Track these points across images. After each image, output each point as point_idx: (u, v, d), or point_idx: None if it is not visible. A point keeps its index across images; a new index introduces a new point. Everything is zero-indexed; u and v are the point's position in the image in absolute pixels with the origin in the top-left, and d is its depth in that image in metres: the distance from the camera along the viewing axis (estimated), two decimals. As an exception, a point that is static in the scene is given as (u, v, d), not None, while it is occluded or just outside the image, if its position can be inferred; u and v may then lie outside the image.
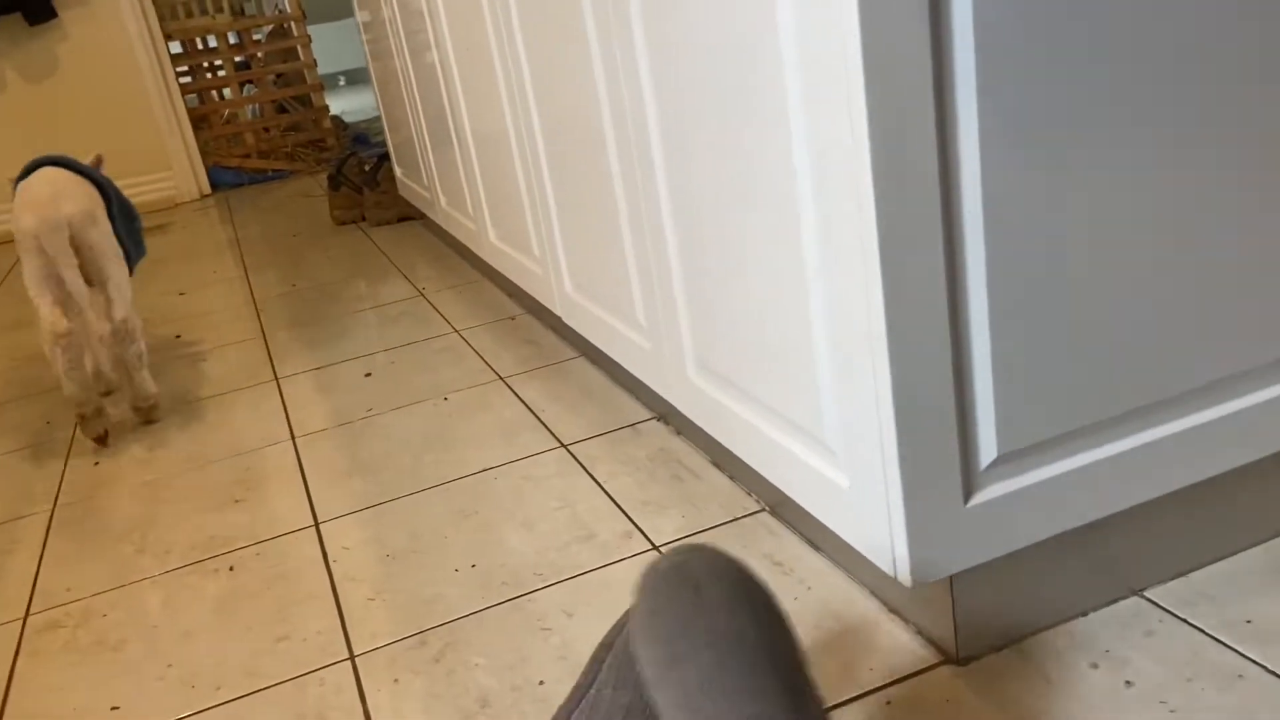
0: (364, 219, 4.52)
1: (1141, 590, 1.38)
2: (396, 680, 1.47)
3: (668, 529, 1.74)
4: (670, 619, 0.87)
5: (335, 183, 4.51)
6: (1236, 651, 1.25)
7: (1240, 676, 1.21)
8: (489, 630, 1.54)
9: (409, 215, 4.40)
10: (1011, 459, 1.23)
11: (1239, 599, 1.33)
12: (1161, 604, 1.35)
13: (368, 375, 2.69)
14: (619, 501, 1.85)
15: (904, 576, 1.23)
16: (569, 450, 2.08)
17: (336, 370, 2.77)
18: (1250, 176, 1.24)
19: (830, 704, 1.28)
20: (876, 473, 1.22)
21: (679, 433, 2.07)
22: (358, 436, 2.31)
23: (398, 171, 4.16)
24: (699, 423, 1.72)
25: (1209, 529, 1.41)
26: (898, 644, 1.37)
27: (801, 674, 0.87)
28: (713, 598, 0.88)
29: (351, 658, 1.54)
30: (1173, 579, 1.39)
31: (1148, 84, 1.16)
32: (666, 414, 2.14)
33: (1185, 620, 1.31)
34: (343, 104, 9.20)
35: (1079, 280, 1.19)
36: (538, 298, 2.52)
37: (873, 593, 1.47)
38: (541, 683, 1.41)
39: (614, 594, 1.59)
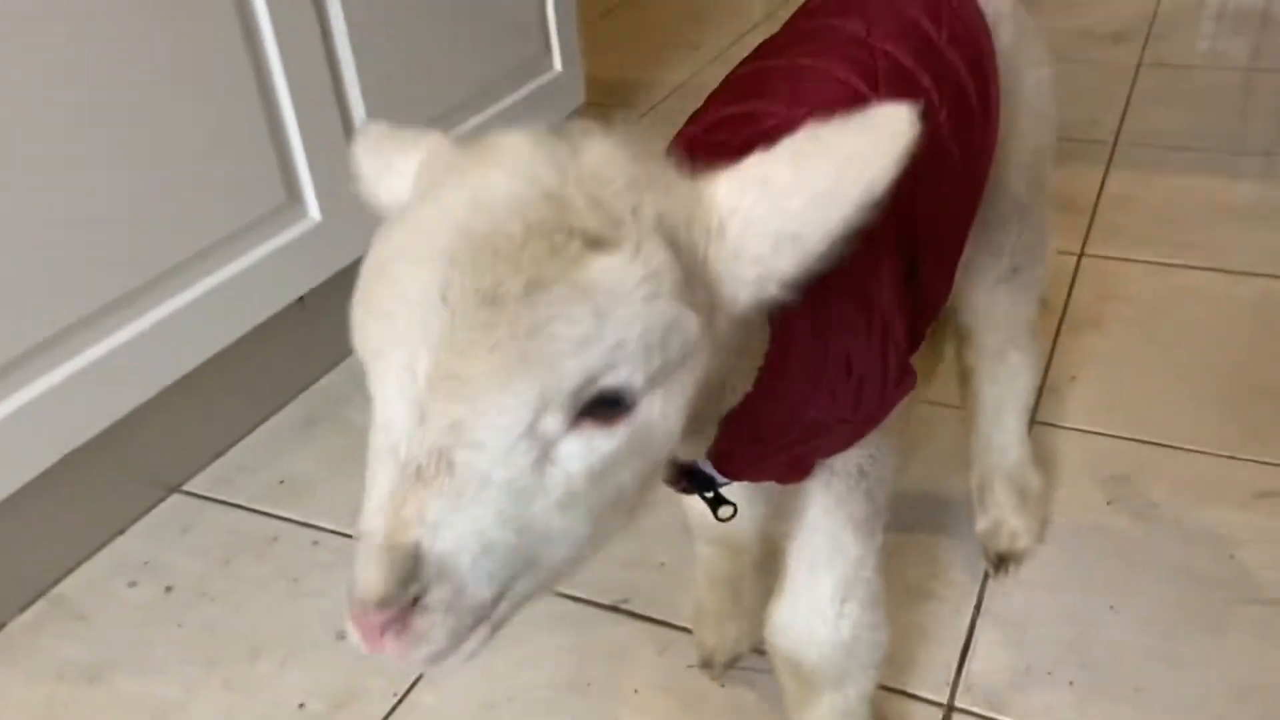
0: None
1: (179, 486, 1.32)
2: None
3: None
4: None
5: None
6: (270, 515, 1.27)
7: (275, 539, 1.23)
8: None
9: None
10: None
11: (271, 463, 1.35)
12: (199, 492, 1.31)
13: None
14: None
15: None
16: None
17: None
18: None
19: None
20: None
21: None
22: None
23: None
24: None
25: (235, 403, 1.40)
26: (-99, 649, 1.12)
27: None
28: None
29: None
30: (210, 463, 1.35)
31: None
32: None
33: (223, 501, 1.29)
34: None
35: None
36: None
37: None
38: None
39: None
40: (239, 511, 1.28)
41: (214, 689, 1.05)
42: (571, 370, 0.44)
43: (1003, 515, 1.11)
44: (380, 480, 0.44)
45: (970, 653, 1.02)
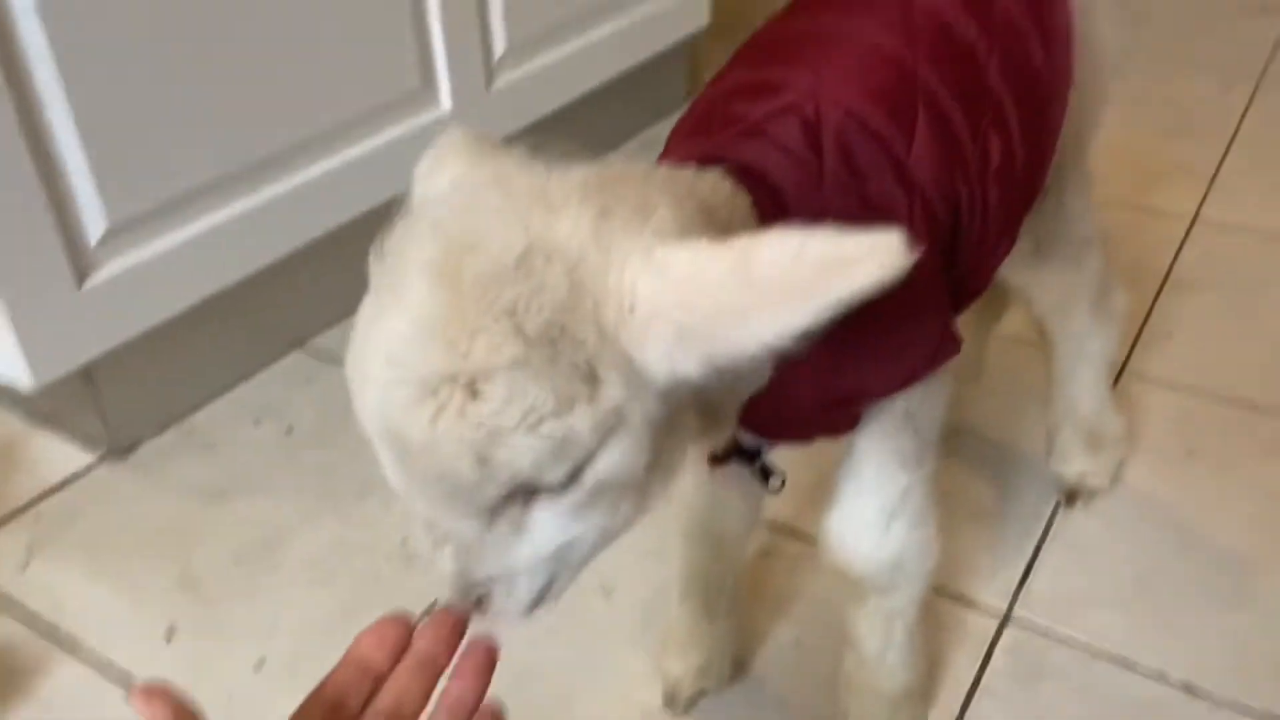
0: None
1: (305, 342, 1.42)
2: None
3: None
4: None
5: None
6: (383, 377, 1.35)
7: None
8: None
9: None
10: (124, 230, 1.14)
11: (386, 331, 1.44)
12: (322, 351, 1.41)
13: None
14: None
15: (24, 379, 1.10)
16: None
17: None
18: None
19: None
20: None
21: None
22: None
23: None
24: None
25: (360, 275, 1.48)
26: (50, 455, 1.25)
27: None
28: None
29: None
30: (335, 324, 1.45)
31: None
32: None
33: (340, 362, 1.38)
34: None
35: (146, 55, 1.10)
36: None
37: (14, 409, 1.32)
38: None
39: None
40: (355, 371, 1.37)
41: (326, 518, 1.15)
42: (478, 502, 0.51)
43: (1072, 456, 1.13)
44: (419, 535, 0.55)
45: (1033, 570, 1.06)
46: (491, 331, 0.48)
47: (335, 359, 1.39)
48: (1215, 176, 1.73)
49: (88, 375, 1.19)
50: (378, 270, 0.53)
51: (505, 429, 0.48)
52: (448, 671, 0.55)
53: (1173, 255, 1.54)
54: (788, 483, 0.81)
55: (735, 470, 0.83)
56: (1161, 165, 1.75)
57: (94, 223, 1.11)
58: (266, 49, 1.22)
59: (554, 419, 0.48)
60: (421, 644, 0.55)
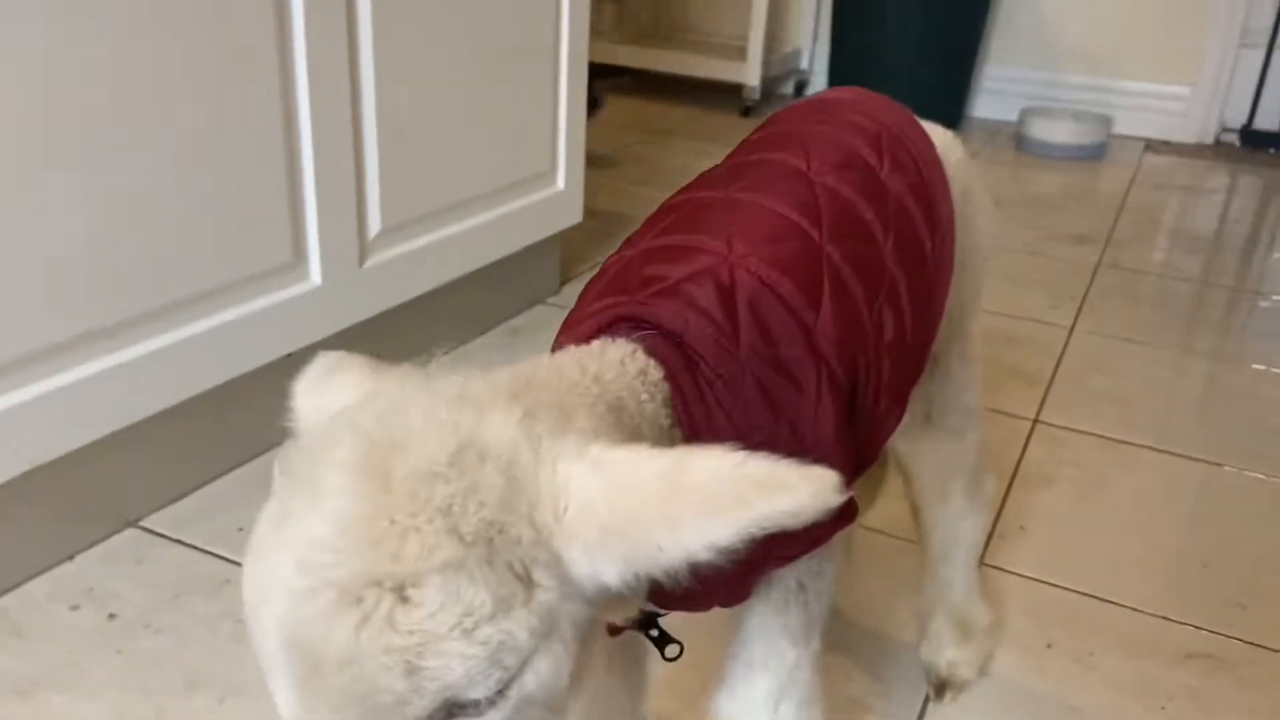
0: None
1: (136, 521, 1.32)
2: None
3: None
4: None
5: None
6: (224, 559, 1.26)
7: (227, 581, 1.22)
8: None
9: None
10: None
11: (230, 510, 1.35)
12: (155, 529, 1.31)
13: None
14: None
15: None
16: None
17: None
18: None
19: None
20: None
21: None
22: None
23: None
24: None
25: (204, 448, 1.41)
26: None
27: None
28: None
29: None
30: (170, 503, 1.35)
31: None
32: None
33: (178, 540, 1.29)
34: None
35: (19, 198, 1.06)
36: None
37: None
38: None
39: None
40: (194, 552, 1.27)
41: (146, 717, 1.03)
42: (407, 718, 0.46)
43: (943, 645, 1.14)
44: None
45: (907, 767, 1.04)
46: (424, 532, 0.45)
47: (170, 536, 1.29)
48: (1050, 384, 1.84)
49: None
50: (284, 479, 0.49)
51: (439, 635, 0.44)
52: None
53: (1019, 453, 1.61)
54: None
55: (621, 646, 0.79)
56: (1002, 372, 1.86)
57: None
58: (136, 207, 1.19)
59: (489, 624, 0.45)
60: None
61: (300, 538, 0.46)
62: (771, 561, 0.71)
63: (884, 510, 1.24)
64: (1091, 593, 1.30)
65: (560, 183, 1.97)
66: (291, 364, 1.51)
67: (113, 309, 1.20)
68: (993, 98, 3.66)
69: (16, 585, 1.19)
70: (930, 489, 1.07)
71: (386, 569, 0.44)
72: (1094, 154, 3.33)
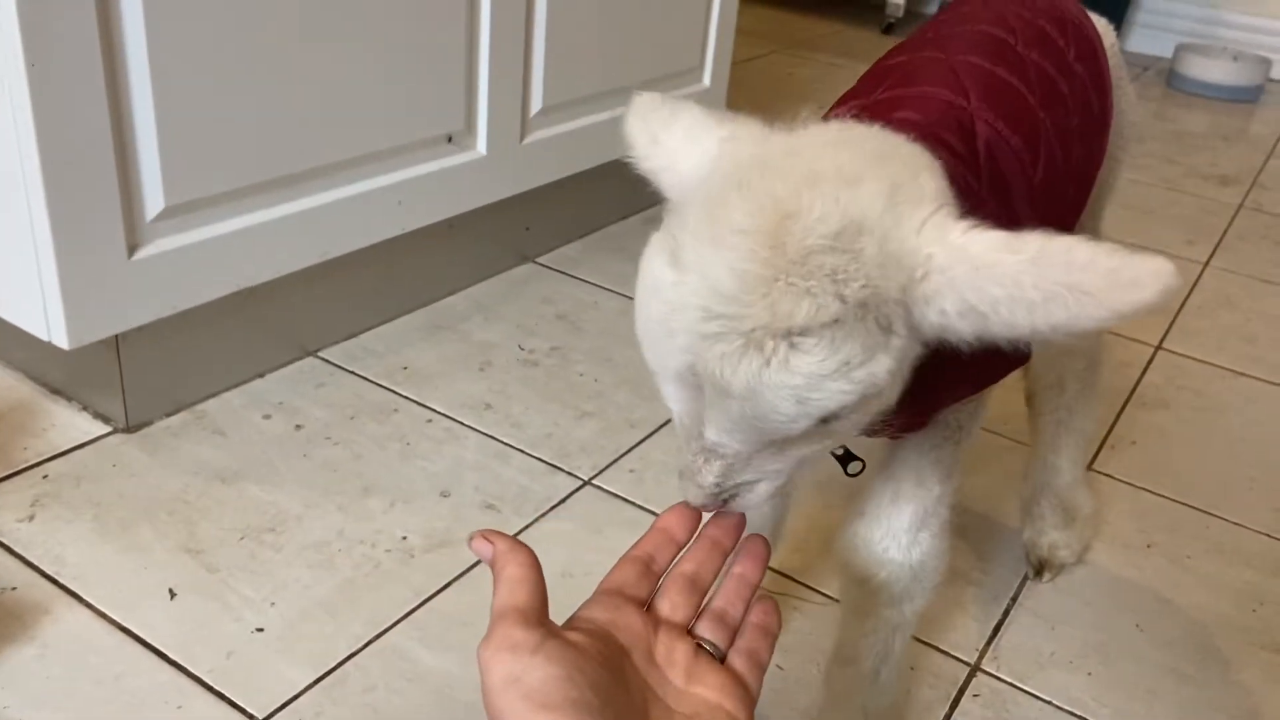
0: None
1: (315, 351, 1.46)
2: None
3: None
4: None
5: None
6: (392, 391, 1.40)
7: (395, 410, 1.36)
8: None
9: None
10: (179, 213, 1.19)
11: (398, 351, 1.49)
12: (332, 360, 1.45)
13: None
14: None
15: (60, 338, 1.14)
16: None
17: None
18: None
19: (-22, 488, 1.15)
20: (23, 228, 1.10)
21: None
22: None
23: None
24: None
25: (374, 294, 1.54)
26: (61, 422, 1.27)
27: None
28: None
29: None
30: (344, 340, 1.50)
31: None
32: None
33: (352, 371, 1.43)
34: None
35: (229, 55, 1.18)
36: None
37: (30, 376, 1.34)
38: None
39: None
40: (365, 383, 1.41)
41: (329, 510, 1.18)
42: (782, 435, 0.58)
43: (1045, 527, 1.21)
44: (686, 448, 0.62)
45: (1002, 630, 1.12)
46: (815, 294, 0.54)
47: (345, 368, 1.44)
48: (1177, 315, 1.86)
49: (114, 348, 1.23)
50: (677, 224, 0.58)
51: (823, 376, 0.54)
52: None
53: (1137, 377, 1.65)
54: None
55: None
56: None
57: (153, 199, 1.17)
58: (339, 67, 1.30)
59: (860, 368, 0.55)
60: (711, 530, 0.65)
61: (706, 288, 0.55)
62: (962, 396, 0.78)
63: (994, 411, 1.31)
64: (1197, 505, 1.35)
65: (706, 80, 2.03)
66: (452, 230, 1.64)
67: (316, 154, 1.32)
68: (1148, 33, 3.55)
69: (216, 393, 1.35)
70: (1046, 374, 1.13)
71: (784, 323, 0.54)
72: (1249, 96, 3.22)
